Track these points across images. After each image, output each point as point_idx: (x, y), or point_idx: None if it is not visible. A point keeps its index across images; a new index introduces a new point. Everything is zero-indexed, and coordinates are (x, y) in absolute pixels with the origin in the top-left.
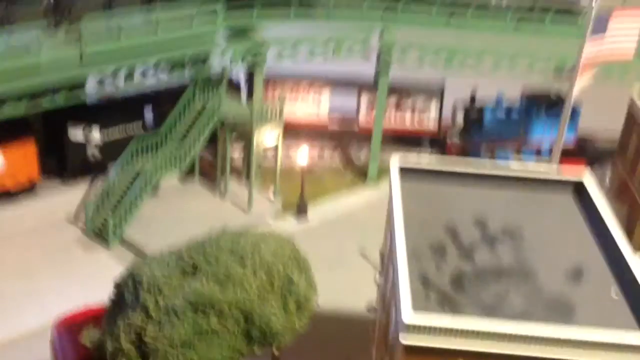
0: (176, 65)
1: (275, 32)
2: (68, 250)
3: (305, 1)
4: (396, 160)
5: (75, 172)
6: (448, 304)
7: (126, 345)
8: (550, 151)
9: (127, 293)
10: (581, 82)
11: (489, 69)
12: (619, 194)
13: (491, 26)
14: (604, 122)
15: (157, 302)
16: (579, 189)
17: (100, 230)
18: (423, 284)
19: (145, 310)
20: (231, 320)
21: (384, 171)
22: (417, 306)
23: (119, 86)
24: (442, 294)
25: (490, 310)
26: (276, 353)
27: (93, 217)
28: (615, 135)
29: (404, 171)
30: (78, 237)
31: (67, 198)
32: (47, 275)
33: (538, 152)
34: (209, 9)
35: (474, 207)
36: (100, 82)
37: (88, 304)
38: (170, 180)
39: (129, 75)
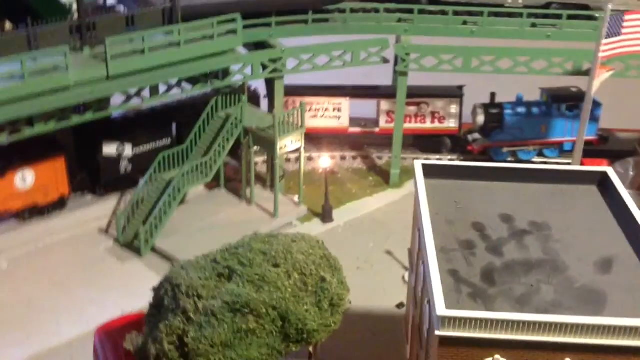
0: (198, 77)
1: (294, 43)
2: (102, 260)
3: (321, 15)
4: (419, 161)
5: (108, 186)
6: (480, 297)
7: (168, 347)
8: (573, 147)
9: (166, 298)
10: (600, 79)
11: (507, 69)
12: None
13: (506, 31)
14: (625, 116)
15: (196, 305)
16: (603, 181)
17: (132, 240)
18: (454, 278)
19: (185, 313)
20: (268, 320)
21: (405, 173)
22: (450, 300)
23: (143, 99)
24: (474, 288)
25: (522, 302)
26: (312, 351)
27: (125, 228)
28: (637, 128)
29: (428, 169)
30: (111, 248)
31: (98, 211)
32: (83, 285)
33: (561, 150)
34: (228, 27)
35: (499, 202)
36: (127, 98)
37: (126, 311)
38: (198, 189)
39: (154, 90)
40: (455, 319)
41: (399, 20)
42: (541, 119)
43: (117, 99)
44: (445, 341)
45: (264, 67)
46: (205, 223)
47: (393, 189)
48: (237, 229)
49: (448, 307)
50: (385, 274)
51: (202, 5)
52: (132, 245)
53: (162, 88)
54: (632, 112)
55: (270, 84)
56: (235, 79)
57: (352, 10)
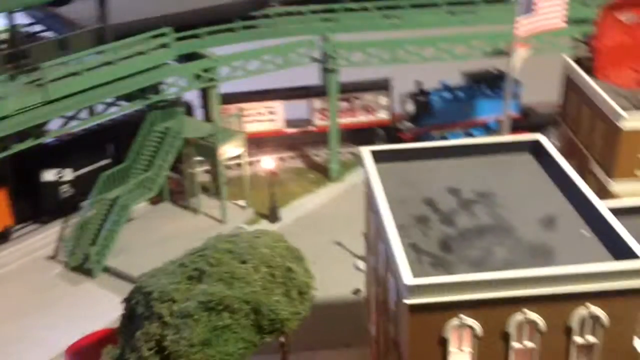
0: (133, 93)
1: (225, 51)
2: (55, 286)
3: (248, 22)
4: (366, 147)
5: (50, 212)
6: (440, 265)
7: (147, 353)
8: (498, 125)
9: (138, 307)
10: (519, 56)
11: (431, 57)
12: (566, 151)
13: (427, 20)
14: (543, 92)
15: (170, 309)
16: (536, 148)
17: (82, 263)
18: (415, 251)
19: (161, 318)
20: (242, 314)
21: (344, 167)
22: (414, 270)
23: (82, 121)
24: (434, 257)
25: (478, 264)
26: (283, 341)
27: (73, 251)
28: (554, 101)
29: (375, 155)
30: (61, 273)
31: (44, 238)
32: (40, 313)
33: (486, 128)
34: (160, 41)
35: (445, 178)
36: (65, 121)
37: (87, 332)
38: (143, 205)
39: (90, 109)
40: (421, 286)
41: (324, 20)
42: (465, 101)
43: (55, 123)
44: (414, 308)
45: (198, 77)
46: (155, 237)
47: (334, 183)
48: (188, 240)
49: (414, 276)
50: (338, 264)
51: (131, 22)
52: (83, 268)
53: (99, 107)
54: (548, 87)
55: (204, 93)
56: (171, 91)
57: (278, 15)
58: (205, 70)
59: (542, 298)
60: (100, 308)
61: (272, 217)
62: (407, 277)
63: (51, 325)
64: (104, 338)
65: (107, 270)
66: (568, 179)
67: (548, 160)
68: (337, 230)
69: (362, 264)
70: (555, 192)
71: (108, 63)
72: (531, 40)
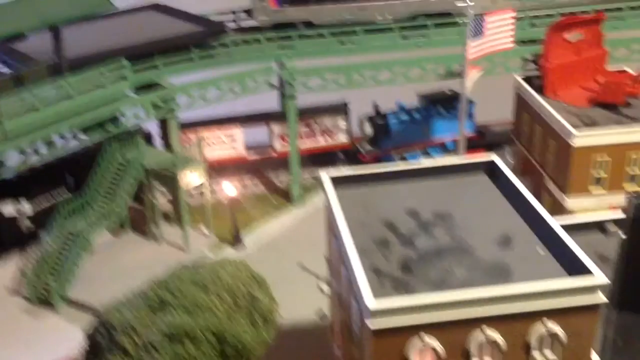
0: (92, 126)
1: (182, 80)
2: (15, 320)
3: (205, 51)
4: (325, 173)
5: (10, 246)
6: (401, 287)
7: None
8: (455, 144)
9: (101, 339)
10: (471, 78)
11: (387, 80)
12: (521, 169)
13: (381, 45)
14: (496, 111)
15: (134, 340)
16: (491, 168)
17: (43, 295)
18: (376, 274)
19: (124, 350)
20: (206, 343)
21: (306, 190)
22: (376, 293)
23: (40, 155)
24: (395, 279)
25: (438, 285)
26: None
27: (34, 284)
28: (508, 119)
29: (335, 180)
30: (23, 306)
31: (3, 272)
32: (1, 348)
33: (443, 148)
34: (116, 71)
35: (404, 200)
36: (22, 154)
37: None
38: (104, 236)
39: (49, 143)
40: (383, 309)
41: (281, 47)
42: (422, 122)
43: (12, 157)
44: (377, 331)
45: (157, 107)
46: (118, 268)
47: (296, 207)
48: (151, 269)
49: (375, 299)
50: (303, 287)
51: (87, 55)
52: (45, 301)
53: (58, 140)
54: (502, 106)
55: (164, 122)
56: (130, 122)
57: (235, 43)
58: (164, 101)
59: (501, 316)
60: (62, 341)
61: (236, 243)
62: (369, 300)
63: (11, 358)
64: None
65: (69, 302)
66: (522, 198)
67: (502, 180)
68: (301, 254)
69: (326, 287)
70: (510, 211)
71: (66, 97)
72: (482, 62)
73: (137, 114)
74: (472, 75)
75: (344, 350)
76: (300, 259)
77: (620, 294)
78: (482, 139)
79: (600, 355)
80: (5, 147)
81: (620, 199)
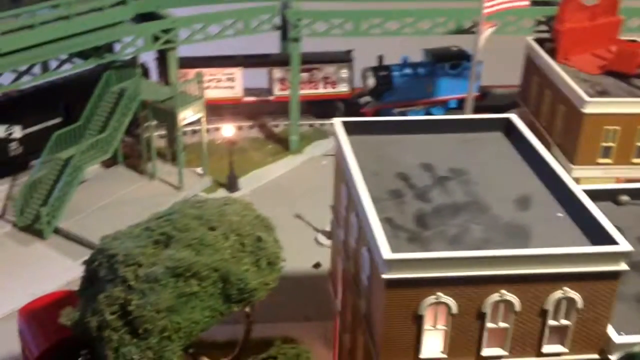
0: (88, 50)
1: (185, 13)
2: (2, 245)
3: None
4: (339, 119)
5: None
6: (417, 240)
7: (110, 317)
8: (458, 105)
9: (101, 269)
10: (484, 35)
11: (394, 31)
12: None
13: None
14: (499, 73)
15: (135, 272)
16: (508, 127)
17: (31, 223)
18: (391, 225)
19: (125, 282)
20: (209, 282)
21: (302, 137)
22: (391, 245)
23: (34, 76)
24: (410, 232)
25: (455, 241)
26: (248, 312)
27: (22, 210)
28: (509, 83)
29: (347, 126)
30: (10, 232)
31: None
32: None
33: (446, 108)
34: None
35: (417, 153)
36: (17, 77)
37: (37, 294)
38: (95, 168)
39: (43, 65)
40: (399, 261)
41: None
42: (427, 78)
43: (5, 78)
44: (391, 284)
45: (156, 38)
46: (109, 201)
47: (293, 155)
48: (143, 205)
49: (392, 251)
50: (298, 237)
51: None
52: (32, 228)
53: (53, 64)
54: (504, 69)
55: (162, 56)
56: (128, 51)
57: None
58: (164, 32)
59: (520, 278)
60: (51, 270)
61: (231, 186)
62: (385, 251)
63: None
64: (61, 300)
65: (58, 231)
66: (541, 159)
67: (520, 140)
68: (297, 203)
69: (323, 238)
70: (528, 172)
71: (63, 17)
72: (495, 19)
73: (136, 44)
74: (485, 32)
75: (346, 302)
76: (295, 208)
77: None
78: (484, 101)
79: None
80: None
81: (626, 171)
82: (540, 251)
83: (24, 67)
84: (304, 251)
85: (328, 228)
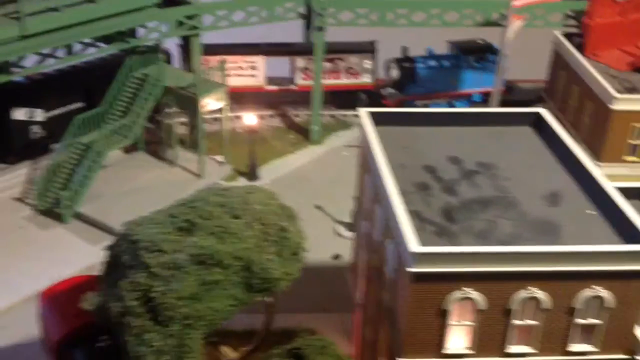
0: (113, 35)
1: None
2: (23, 229)
3: None
4: (364, 109)
5: (19, 153)
6: (444, 234)
7: (132, 303)
8: (482, 98)
9: (124, 255)
10: (513, 28)
11: (420, 22)
12: None
13: None
14: (524, 67)
15: (159, 259)
16: (537, 121)
17: (52, 207)
18: (417, 218)
19: (148, 268)
20: (232, 271)
21: (324, 128)
22: (418, 238)
23: (59, 61)
24: (437, 226)
25: (483, 236)
26: (270, 302)
27: (43, 194)
28: (534, 78)
29: (373, 117)
30: (30, 216)
31: (11, 179)
32: (5, 255)
33: (470, 101)
34: None
35: (445, 145)
36: (41, 59)
37: (56, 279)
38: (116, 154)
39: (67, 48)
40: (427, 254)
41: None
42: (451, 71)
43: (30, 61)
44: (417, 277)
45: (180, 24)
46: (129, 187)
47: (314, 145)
48: (163, 191)
49: (419, 243)
50: (317, 228)
51: None
52: (52, 212)
53: (76, 48)
54: (529, 63)
55: (186, 42)
56: (152, 36)
57: None
58: (189, 17)
59: (549, 276)
60: (70, 254)
61: (251, 175)
62: (413, 244)
63: (16, 269)
64: (82, 285)
65: (78, 216)
66: (571, 155)
67: (549, 134)
68: (317, 194)
69: (342, 230)
70: (557, 168)
71: (89, 1)
72: (524, 12)
73: (160, 29)
74: (515, 26)
75: (367, 294)
76: (315, 199)
77: None
78: (509, 95)
79: None
80: (23, 46)
81: None
82: (571, 248)
83: (48, 50)
84: (323, 242)
85: (348, 220)
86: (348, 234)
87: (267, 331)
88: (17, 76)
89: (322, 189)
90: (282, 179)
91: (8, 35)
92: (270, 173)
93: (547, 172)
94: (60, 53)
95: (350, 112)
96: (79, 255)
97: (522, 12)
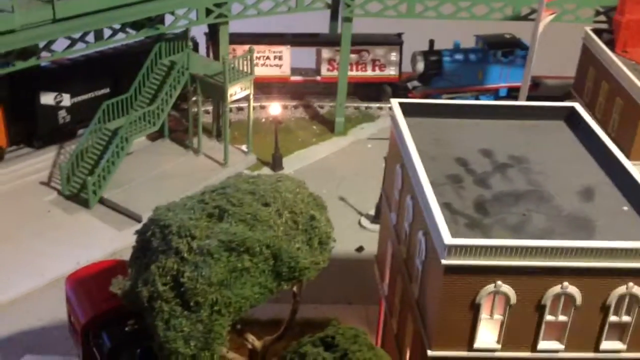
0: (141, 21)
1: None
2: (48, 213)
3: None
4: (396, 100)
5: (45, 137)
6: (477, 227)
7: (162, 288)
8: (508, 93)
9: (154, 239)
10: (544, 22)
11: (449, 14)
12: None
13: None
14: (553, 64)
15: (189, 245)
16: (571, 116)
17: (77, 191)
18: (449, 210)
19: (179, 253)
20: (261, 258)
21: (348, 120)
22: (451, 230)
23: (89, 46)
24: (469, 218)
25: (516, 230)
26: (296, 291)
27: (69, 179)
28: (560, 74)
29: (404, 108)
30: (55, 200)
31: (37, 163)
32: (31, 238)
33: (496, 96)
34: None
35: (476, 138)
36: (70, 44)
37: (82, 263)
38: (141, 140)
39: (98, 35)
40: (459, 247)
41: None
42: (478, 65)
43: (59, 46)
44: (450, 270)
45: (209, 12)
46: (154, 173)
47: (338, 136)
48: (188, 179)
49: (452, 236)
50: (341, 219)
51: None
52: (77, 197)
53: (105, 33)
54: (559, 60)
55: (213, 30)
56: (180, 24)
57: None
58: (217, 5)
59: (583, 272)
60: (95, 239)
61: (275, 165)
62: (446, 236)
63: (41, 253)
64: (109, 269)
65: (102, 201)
66: (606, 151)
67: (583, 130)
68: (341, 185)
69: (366, 222)
70: (592, 163)
71: None
72: (556, 6)
73: (189, 16)
74: (545, 19)
75: (394, 287)
76: (339, 191)
77: None
78: (536, 91)
79: None
80: (54, 30)
81: None
82: (607, 244)
83: (77, 35)
84: (347, 234)
85: (371, 212)
86: (372, 226)
87: (292, 321)
88: (45, 60)
89: (345, 181)
90: (306, 170)
91: (40, 18)
92: (294, 163)
93: (580, 167)
94: (89, 38)
95: (374, 105)
96: (104, 239)
97: (553, 5)
